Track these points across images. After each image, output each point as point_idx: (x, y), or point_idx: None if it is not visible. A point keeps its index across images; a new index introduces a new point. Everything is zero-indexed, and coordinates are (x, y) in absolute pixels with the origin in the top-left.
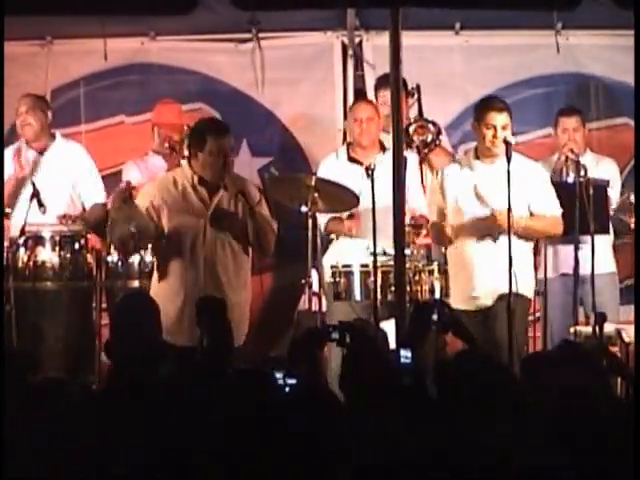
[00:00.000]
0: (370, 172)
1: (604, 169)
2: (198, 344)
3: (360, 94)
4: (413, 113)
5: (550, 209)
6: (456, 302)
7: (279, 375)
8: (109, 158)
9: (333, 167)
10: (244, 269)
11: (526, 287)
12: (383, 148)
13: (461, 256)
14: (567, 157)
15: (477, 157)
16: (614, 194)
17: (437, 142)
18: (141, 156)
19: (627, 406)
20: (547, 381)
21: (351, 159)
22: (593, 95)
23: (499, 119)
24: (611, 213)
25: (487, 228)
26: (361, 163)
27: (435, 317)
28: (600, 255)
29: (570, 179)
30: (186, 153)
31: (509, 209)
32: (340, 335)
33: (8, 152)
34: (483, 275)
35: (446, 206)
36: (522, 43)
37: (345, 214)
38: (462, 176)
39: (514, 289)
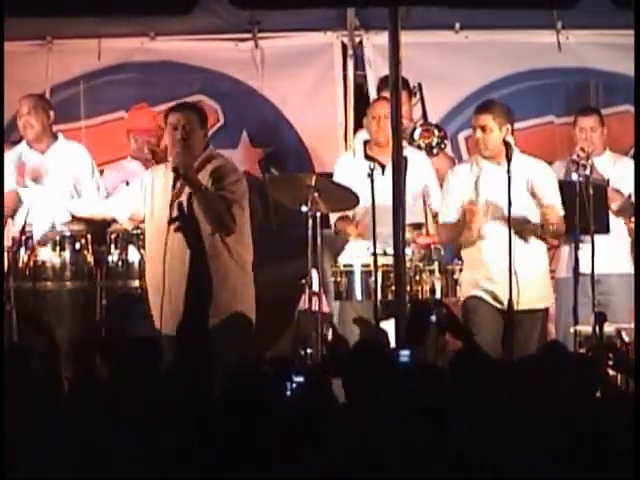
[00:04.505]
0: (371, 172)
1: (622, 168)
2: None
3: (361, 93)
4: (417, 113)
5: (560, 209)
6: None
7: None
8: (109, 153)
9: (349, 164)
10: (220, 260)
11: (546, 296)
12: None
13: (481, 255)
14: (578, 155)
15: (485, 157)
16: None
17: (442, 146)
18: (119, 162)
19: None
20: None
21: (368, 157)
22: (593, 86)
23: (477, 120)
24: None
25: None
26: (378, 161)
27: (433, 318)
28: (617, 255)
29: (574, 178)
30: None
31: (509, 210)
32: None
33: (10, 163)
34: (506, 275)
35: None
36: (521, 41)
37: (351, 213)
38: (472, 177)
39: (539, 303)
